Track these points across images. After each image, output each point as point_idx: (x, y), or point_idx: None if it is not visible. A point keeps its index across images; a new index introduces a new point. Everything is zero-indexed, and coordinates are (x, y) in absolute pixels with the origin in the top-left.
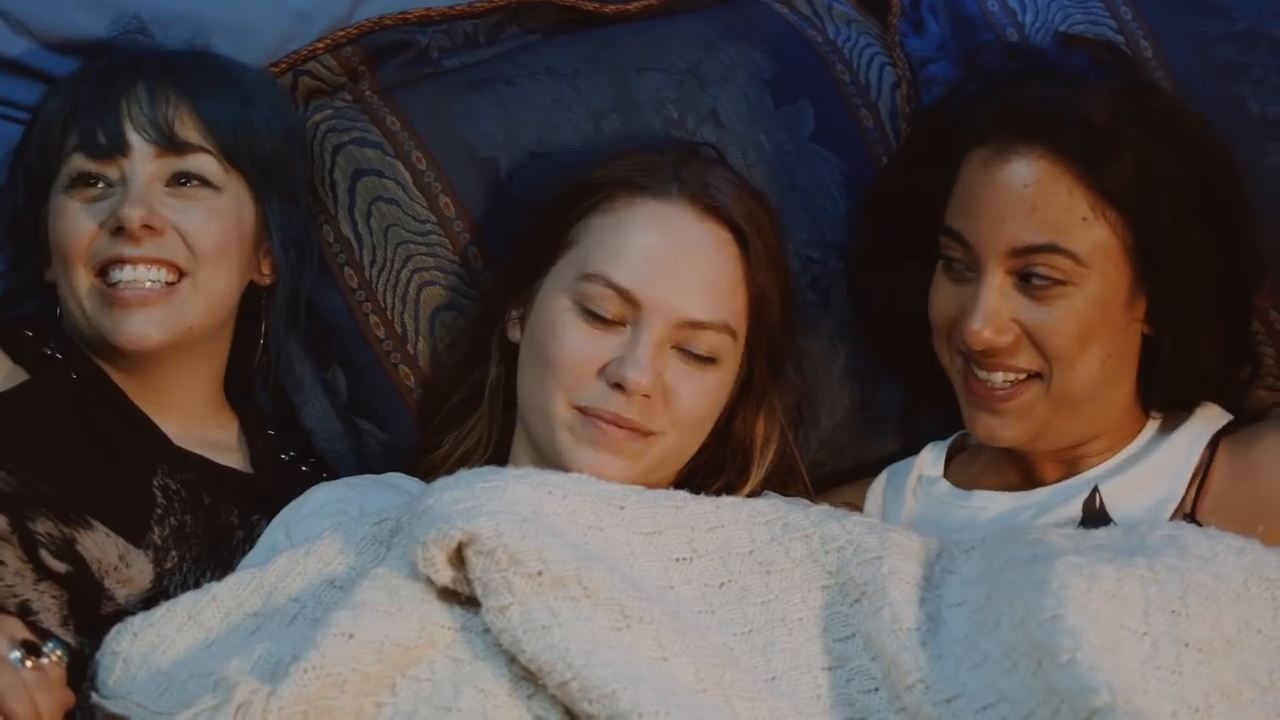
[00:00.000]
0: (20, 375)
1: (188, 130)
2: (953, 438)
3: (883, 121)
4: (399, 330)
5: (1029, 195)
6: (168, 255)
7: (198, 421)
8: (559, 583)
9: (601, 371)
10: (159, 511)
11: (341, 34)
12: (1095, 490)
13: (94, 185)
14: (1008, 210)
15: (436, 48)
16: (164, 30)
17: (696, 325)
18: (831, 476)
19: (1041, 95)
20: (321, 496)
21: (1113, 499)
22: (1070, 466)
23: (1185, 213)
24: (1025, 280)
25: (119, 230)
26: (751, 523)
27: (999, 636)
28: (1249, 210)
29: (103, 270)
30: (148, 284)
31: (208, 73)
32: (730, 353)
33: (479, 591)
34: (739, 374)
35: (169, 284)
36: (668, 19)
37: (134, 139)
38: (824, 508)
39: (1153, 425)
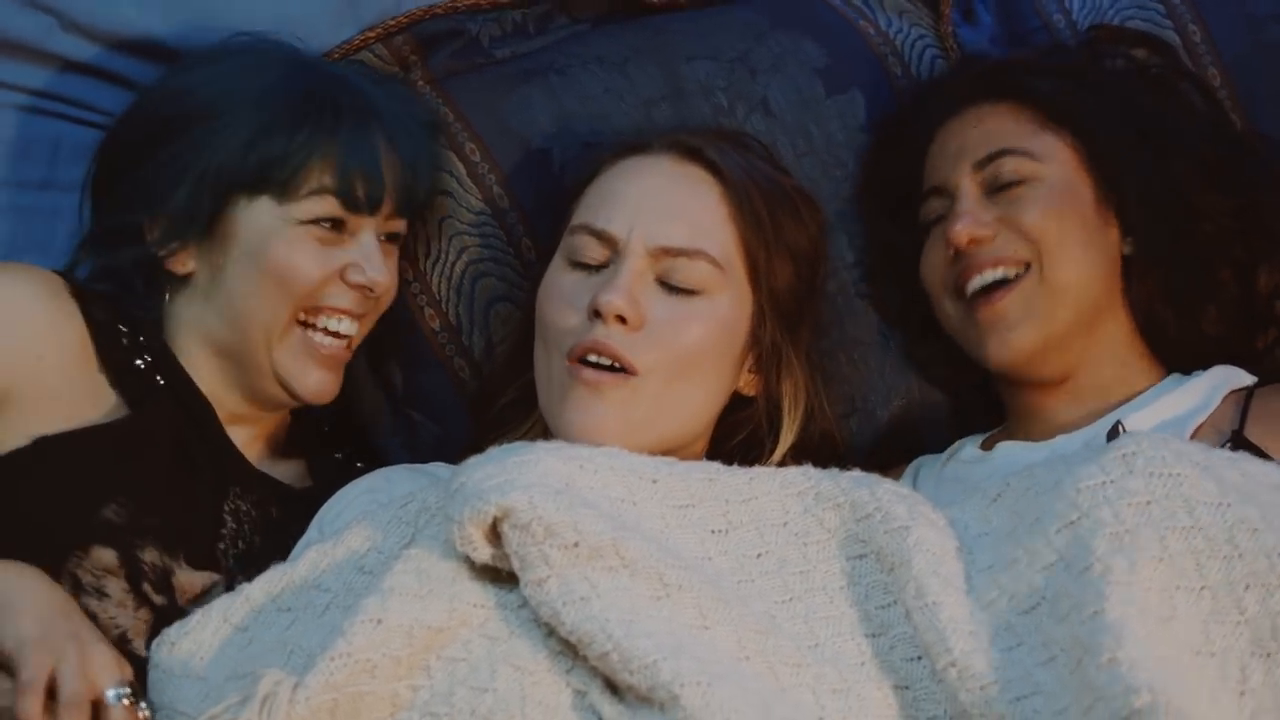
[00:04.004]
0: (110, 391)
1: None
2: (992, 431)
3: None
4: (454, 322)
5: (984, 118)
6: (363, 310)
7: (266, 425)
8: (596, 553)
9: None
10: (227, 534)
11: (393, 23)
12: (1118, 423)
13: (336, 229)
14: (965, 140)
15: (487, 36)
16: (216, 28)
17: (673, 252)
18: (887, 466)
19: (987, 64)
20: (354, 490)
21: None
22: (1089, 413)
23: (1140, 141)
24: (994, 191)
25: (358, 287)
26: (784, 494)
27: (1037, 622)
28: (1243, 172)
29: (305, 310)
30: (337, 341)
31: (419, 141)
32: (718, 286)
33: (516, 566)
34: (750, 338)
35: (350, 340)
36: (717, 8)
37: (385, 203)
38: (854, 474)
39: (1171, 378)
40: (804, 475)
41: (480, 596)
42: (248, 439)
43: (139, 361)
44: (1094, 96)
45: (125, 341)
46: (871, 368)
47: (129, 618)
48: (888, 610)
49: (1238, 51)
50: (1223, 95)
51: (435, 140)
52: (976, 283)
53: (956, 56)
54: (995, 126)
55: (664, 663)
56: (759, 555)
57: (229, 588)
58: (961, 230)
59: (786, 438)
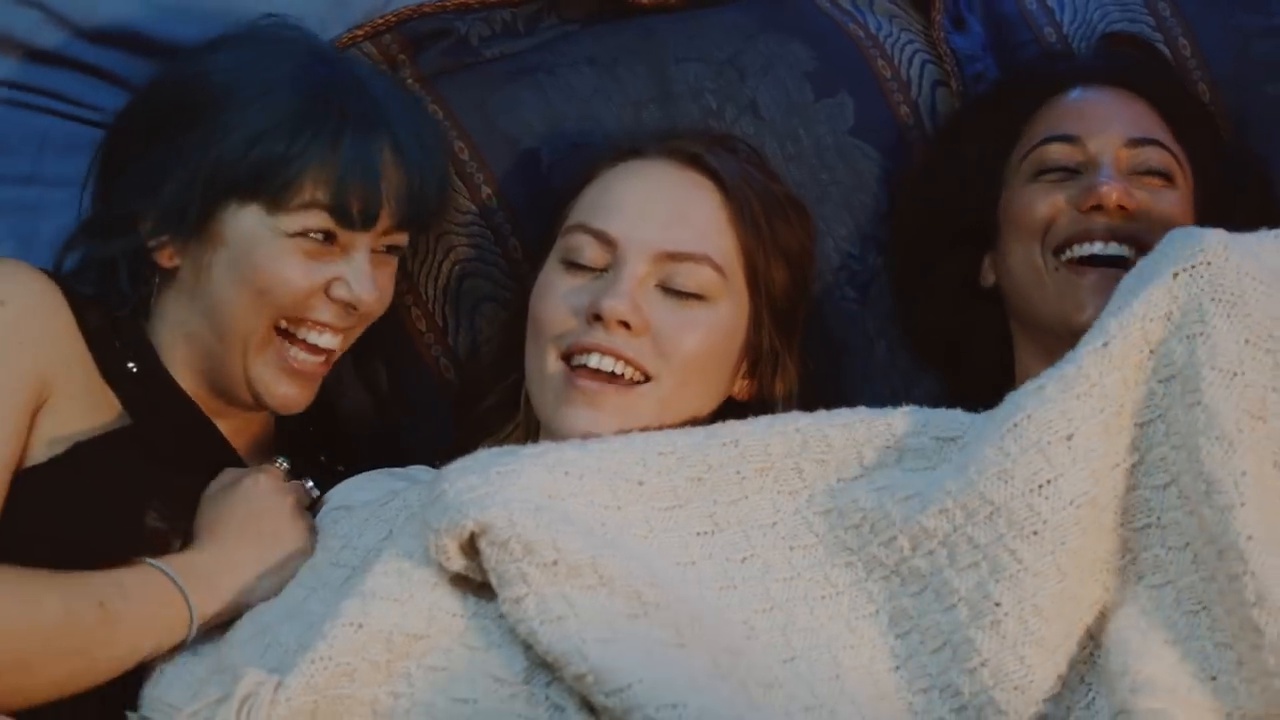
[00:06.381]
0: (113, 398)
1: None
2: None
3: (922, 118)
4: (440, 323)
5: (1131, 105)
6: (346, 325)
7: (250, 422)
8: (575, 572)
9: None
10: None
11: (381, 21)
12: None
13: (328, 242)
14: (1119, 111)
15: (476, 35)
16: (203, 22)
17: (675, 257)
18: None
19: (1123, 57)
20: (335, 496)
21: None
22: None
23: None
24: (1136, 175)
25: (342, 303)
26: (776, 492)
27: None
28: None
29: (287, 320)
30: (314, 357)
31: (429, 153)
32: (720, 292)
33: (494, 581)
34: (746, 345)
35: (329, 354)
36: (707, 9)
37: (382, 218)
38: (849, 462)
39: None
40: (798, 473)
41: (459, 605)
42: (230, 435)
43: (131, 365)
44: (1208, 131)
45: (118, 345)
46: (858, 371)
47: None
48: (870, 620)
49: (1227, 65)
50: (1212, 109)
51: (446, 153)
52: (1091, 249)
53: (950, 63)
54: (1145, 116)
55: (638, 686)
56: (744, 559)
57: None
58: (1117, 193)
59: None
